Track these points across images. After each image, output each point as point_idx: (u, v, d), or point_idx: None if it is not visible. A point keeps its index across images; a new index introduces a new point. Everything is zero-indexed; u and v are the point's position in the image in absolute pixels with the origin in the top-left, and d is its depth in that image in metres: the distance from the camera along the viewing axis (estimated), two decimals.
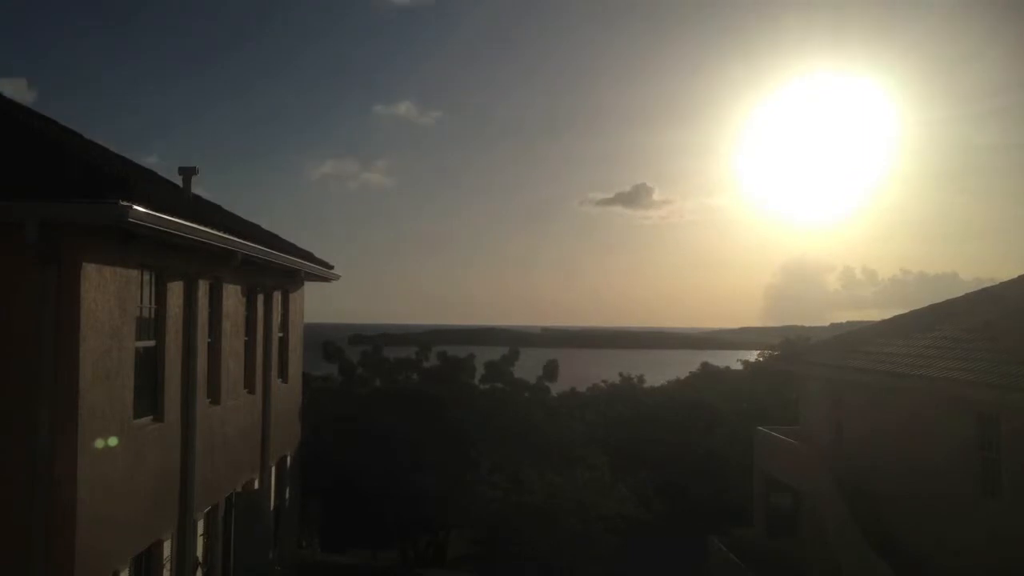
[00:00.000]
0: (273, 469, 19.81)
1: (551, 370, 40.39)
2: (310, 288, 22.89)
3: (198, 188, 15.36)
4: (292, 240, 20.32)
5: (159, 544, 12.68)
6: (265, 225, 19.74)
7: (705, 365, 54.27)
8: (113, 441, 10.51)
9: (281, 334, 20.27)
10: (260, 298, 18.24)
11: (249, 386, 17.78)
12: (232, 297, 15.93)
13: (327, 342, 41.27)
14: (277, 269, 17.70)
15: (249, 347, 17.68)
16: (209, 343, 14.75)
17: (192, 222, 11.04)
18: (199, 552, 14.51)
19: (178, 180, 15.02)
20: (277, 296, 19.66)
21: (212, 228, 11.98)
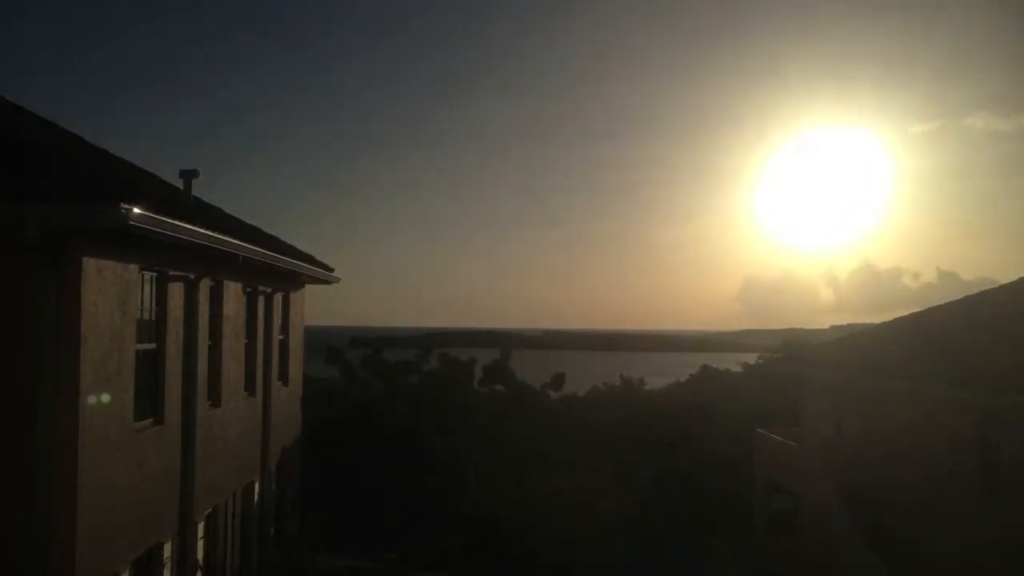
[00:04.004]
0: (273, 471, 19.83)
1: (558, 381, 40.53)
2: (311, 290, 22.92)
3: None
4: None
5: (159, 546, 12.69)
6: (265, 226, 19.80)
7: (705, 367, 54.43)
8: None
9: (282, 336, 20.29)
10: (261, 300, 18.26)
11: (250, 388, 17.79)
12: (233, 299, 15.95)
13: (329, 347, 41.35)
14: (278, 271, 17.71)
15: (250, 349, 17.69)
16: (209, 345, 14.77)
17: (193, 224, 11.05)
18: (199, 554, 14.53)
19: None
20: (278, 298, 19.68)
21: (213, 231, 11.98)
